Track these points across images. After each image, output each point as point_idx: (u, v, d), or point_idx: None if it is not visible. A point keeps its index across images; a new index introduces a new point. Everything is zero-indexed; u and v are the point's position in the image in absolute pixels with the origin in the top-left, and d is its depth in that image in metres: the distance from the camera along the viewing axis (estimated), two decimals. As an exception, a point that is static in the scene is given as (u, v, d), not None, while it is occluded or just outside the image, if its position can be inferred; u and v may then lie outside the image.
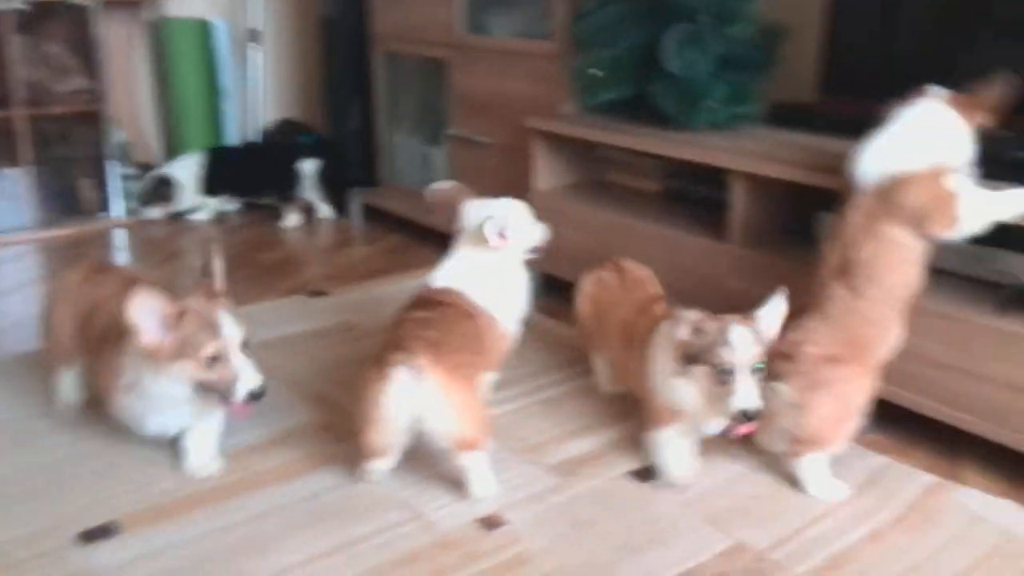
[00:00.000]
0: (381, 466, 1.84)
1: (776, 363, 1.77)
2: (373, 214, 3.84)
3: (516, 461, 1.97)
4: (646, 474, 1.91)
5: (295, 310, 2.86)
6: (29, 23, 3.61)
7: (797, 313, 1.81)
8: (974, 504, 1.79)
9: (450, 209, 2.16)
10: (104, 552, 1.65)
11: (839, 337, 1.79)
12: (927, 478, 1.88)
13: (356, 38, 3.80)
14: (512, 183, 3.06)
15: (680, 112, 2.42)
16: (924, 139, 1.78)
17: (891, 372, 1.94)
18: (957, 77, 1.91)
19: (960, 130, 1.79)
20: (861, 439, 1.98)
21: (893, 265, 1.76)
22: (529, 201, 2.79)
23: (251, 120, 4.34)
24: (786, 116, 2.00)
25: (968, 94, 1.80)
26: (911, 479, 1.88)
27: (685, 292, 2.36)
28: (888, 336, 1.81)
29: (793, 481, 1.87)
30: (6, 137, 3.60)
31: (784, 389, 1.79)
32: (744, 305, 1.78)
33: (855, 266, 1.77)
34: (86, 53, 3.72)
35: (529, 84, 2.96)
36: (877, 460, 1.95)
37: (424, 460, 1.87)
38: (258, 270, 3.28)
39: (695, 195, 2.68)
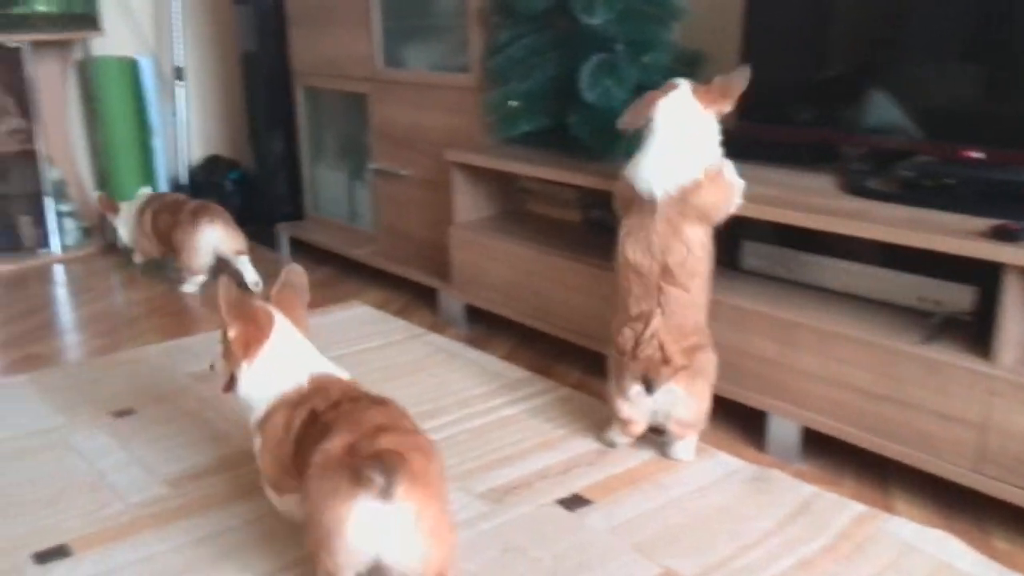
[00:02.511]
0: None
1: (658, 371, 1.82)
2: (300, 247, 3.65)
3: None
4: (574, 502, 1.77)
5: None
6: None
7: (640, 322, 1.84)
8: (905, 533, 1.66)
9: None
10: (59, 572, 1.58)
11: (688, 328, 1.84)
12: (857, 507, 1.74)
13: (277, 73, 3.63)
14: (434, 215, 2.91)
15: (597, 142, 2.29)
16: (695, 144, 1.85)
17: (817, 400, 1.82)
18: (871, 102, 1.83)
19: (711, 120, 1.88)
20: (788, 469, 1.87)
21: (702, 256, 1.84)
22: (451, 234, 2.66)
23: (179, 157, 4.12)
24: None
25: (711, 85, 1.86)
26: (840, 508, 1.74)
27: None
28: (706, 313, 1.89)
29: (722, 509, 1.74)
30: None
31: (676, 388, 1.84)
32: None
33: (675, 268, 1.82)
34: (19, 94, 3.55)
35: (447, 117, 2.80)
36: (805, 489, 1.81)
37: None
38: (186, 304, 3.12)
39: (613, 225, 2.53)
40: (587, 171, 2.26)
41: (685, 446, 1.92)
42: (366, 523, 1.29)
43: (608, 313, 2.01)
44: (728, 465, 1.90)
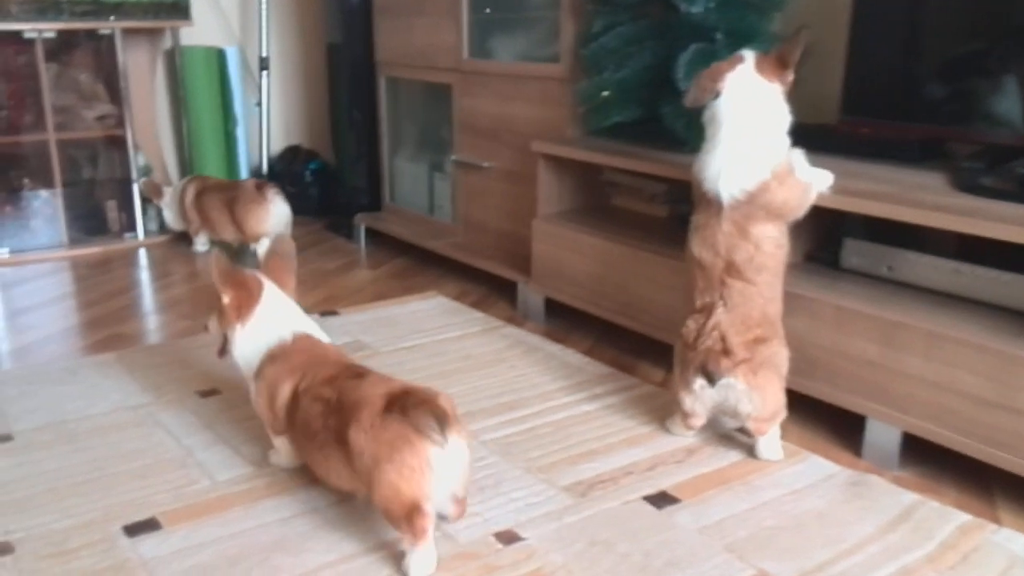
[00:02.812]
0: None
1: (717, 363, 1.77)
2: (376, 238, 3.66)
3: (528, 479, 1.80)
4: (662, 499, 1.72)
5: None
6: (58, 52, 3.53)
7: (702, 314, 1.82)
8: (1014, 546, 1.57)
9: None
10: (148, 545, 1.59)
11: (753, 320, 1.79)
12: (962, 517, 1.66)
13: (360, 65, 3.63)
14: (516, 208, 2.88)
15: (692, 134, 2.23)
16: (764, 133, 1.79)
17: (920, 405, 1.75)
18: (984, 96, 1.75)
19: (778, 96, 1.81)
20: (886, 475, 1.80)
21: (772, 251, 1.79)
22: (535, 227, 2.62)
23: (261, 147, 4.16)
24: (805, 138, 1.82)
25: (768, 56, 1.81)
26: (944, 517, 1.66)
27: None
28: (780, 305, 1.84)
29: (818, 514, 1.68)
30: (40, 160, 3.55)
31: (735, 382, 1.78)
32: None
33: (741, 265, 1.78)
34: (110, 80, 3.63)
35: (534, 108, 2.77)
36: (906, 497, 1.73)
37: None
38: None
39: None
40: (680, 164, 2.21)
41: (768, 444, 1.86)
42: (434, 466, 1.45)
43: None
44: (823, 469, 1.83)
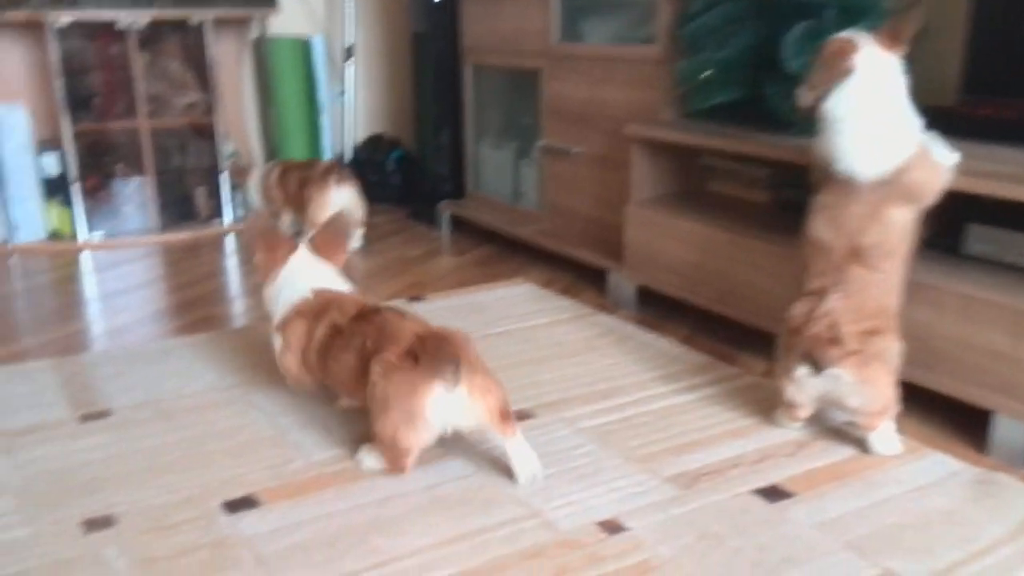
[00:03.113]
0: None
1: (824, 351, 1.68)
2: (460, 226, 3.62)
3: (629, 468, 1.74)
4: (773, 493, 1.64)
5: None
6: (149, 41, 3.59)
7: (815, 298, 1.74)
8: None
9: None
10: (248, 521, 1.58)
11: (869, 310, 1.71)
12: (1104, 516, 1.55)
13: (445, 54, 3.60)
14: (605, 194, 2.82)
15: (797, 115, 2.13)
16: (898, 113, 1.72)
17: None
18: None
19: (897, 71, 1.73)
20: (1016, 473, 1.70)
21: (901, 237, 1.72)
22: (628, 213, 2.55)
23: (345, 135, 4.16)
24: (922, 119, 1.72)
25: (887, 29, 1.73)
26: (1082, 516, 1.55)
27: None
28: (900, 296, 1.75)
29: (945, 512, 1.58)
30: (132, 147, 3.62)
31: (843, 373, 1.69)
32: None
33: (867, 249, 1.71)
34: (199, 69, 3.68)
35: (627, 91, 2.69)
36: (1040, 495, 1.62)
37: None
38: (358, 275, 3.13)
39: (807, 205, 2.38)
40: (786, 146, 2.12)
41: (882, 438, 1.76)
42: (440, 405, 1.61)
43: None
44: (946, 465, 1.72)
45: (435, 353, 1.60)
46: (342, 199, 3.21)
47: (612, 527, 1.54)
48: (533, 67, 3.10)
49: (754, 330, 2.28)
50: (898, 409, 1.76)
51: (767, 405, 1.97)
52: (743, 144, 2.22)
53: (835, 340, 1.69)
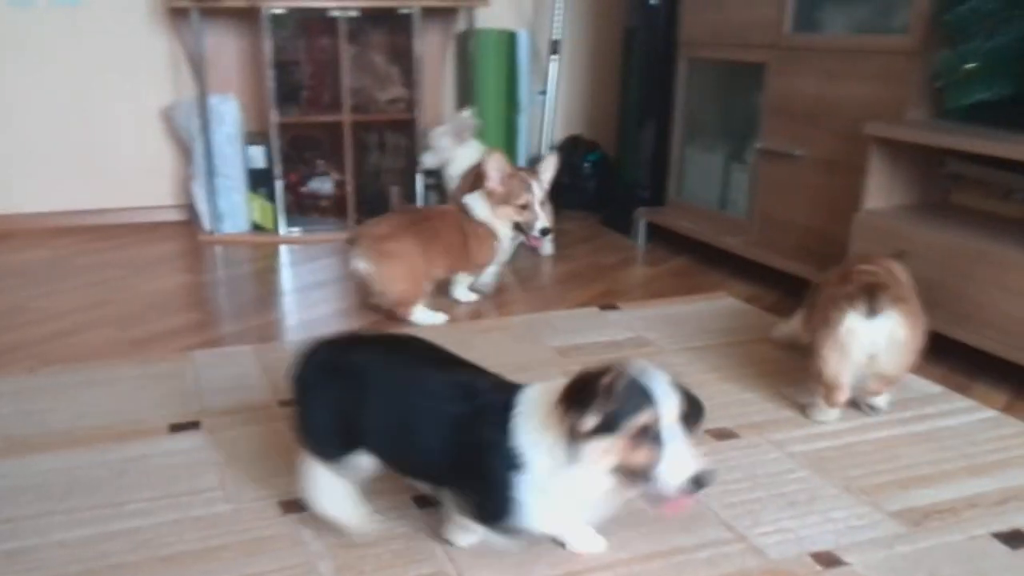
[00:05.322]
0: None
1: (881, 293, 1.83)
2: (657, 234, 3.62)
3: (848, 500, 1.68)
4: (1016, 539, 1.54)
5: (590, 321, 2.70)
6: (357, 33, 3.74)
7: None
8: None
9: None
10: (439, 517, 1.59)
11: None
12: None
13: (657, 50, 3.57)
14: (828, 201, 2.72)
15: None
16: None
17: None
18: None
19: None
20: None
21: None
22: (857, 222, 2.45)
23: (544, 135, 4.19)
24: None
25: None
26: None
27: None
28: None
29: None
30: (334, 142, 3.79)
31: (897, 316, 1.84)
32: None
33: None
34: (403, 63, 3.80)
35: (868, 87, 2.58)
36: None
37: (741, 483, 1.72)
38: (549, 281, 3.19)
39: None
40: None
41: (885, 400, 1.99)
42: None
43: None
44: None
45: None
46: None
47: (828, 560, 1.49)
48: (757, 61, 3.03)
49: (994, 359, 2.15)
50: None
51: (1012, 443, 1.87)
52: (1011, 147, 2.07)
53: (886, 285, 1.85)
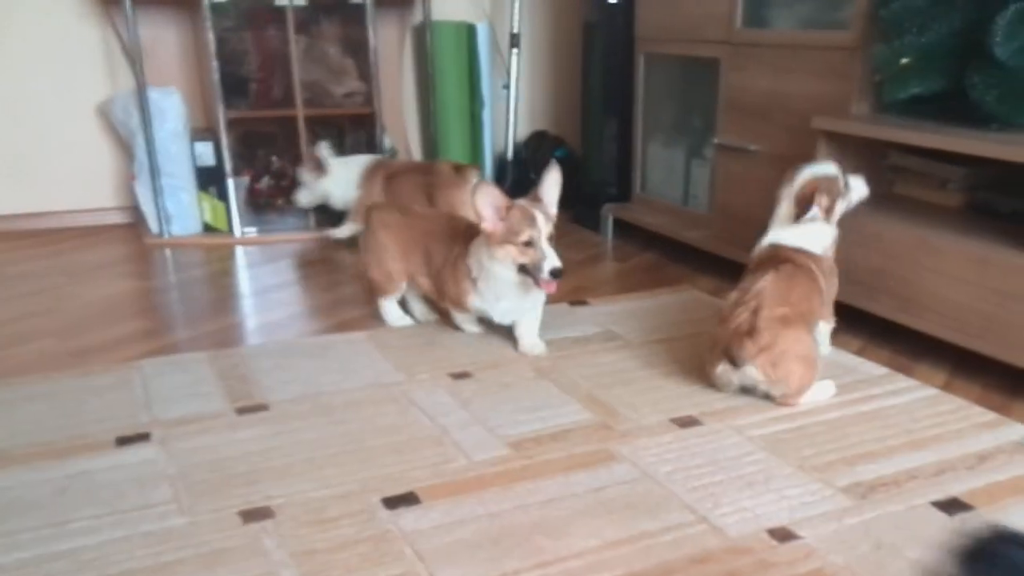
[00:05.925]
0: None
1: (741, 347, 2.07)
2: (625, 230, 3.75)
3: (801, 478, 1.83)
4: (953, 506, 1.71)
5: (560, 317, 2.81)
6: (308, 23, 3.69)
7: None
8: None
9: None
10: (409, 518, 1.69)
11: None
12: None
13: (616, 46, 3.69)
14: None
15: (1005, 108, 2.14)
16: None
17: None
18: None
19: None
20: None
21: None
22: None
23: (508, 131, 4.27)
24: None
25: None
26: None
27: (997, 318, 2.11)
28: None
29: None
30: (288, 138, 3.73)
31: (756, 372, 2.09)
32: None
33: None
34: (359, 55, 3.76)
35: (813, 82, 2.72)
36: None
37: (703, 468, 1.86)
38: None
39: (1008, 209, 2.40)
40: (988, 141, 2.12)
41: (804, 401, 2.15)
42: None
43: (1002, 312, 1.89)
44: None
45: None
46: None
47: (783, 535, 1.63)
48: (711, 56, 3.15)
49: (934, 340, 2.32)
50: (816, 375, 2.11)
51: (948, 418, 2.05)
52: (944, 139, 2.22)
53: (752, 332, 2.02)
